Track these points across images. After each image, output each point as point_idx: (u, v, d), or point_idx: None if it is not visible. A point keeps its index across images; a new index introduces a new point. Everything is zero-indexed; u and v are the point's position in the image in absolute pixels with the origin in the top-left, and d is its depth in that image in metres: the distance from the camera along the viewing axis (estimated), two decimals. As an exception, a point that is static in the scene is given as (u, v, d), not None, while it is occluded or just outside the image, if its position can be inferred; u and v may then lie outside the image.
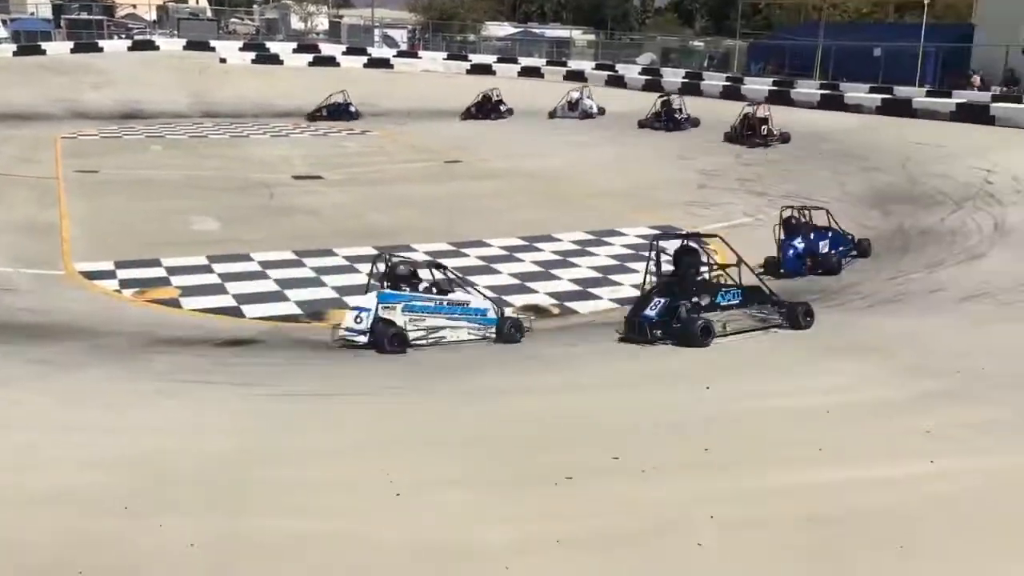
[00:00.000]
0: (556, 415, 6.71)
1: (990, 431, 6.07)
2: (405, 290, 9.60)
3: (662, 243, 9.98)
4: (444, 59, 43.18)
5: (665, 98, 28.00)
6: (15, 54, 37.95)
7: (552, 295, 12.12)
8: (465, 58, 43.38)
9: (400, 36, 49.36)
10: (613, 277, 12.99)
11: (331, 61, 41.42)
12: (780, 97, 29.05)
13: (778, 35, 44.05)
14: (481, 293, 10.37)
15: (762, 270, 11.88)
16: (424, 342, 9.38)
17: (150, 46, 41.56)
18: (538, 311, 11.45)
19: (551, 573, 4.28)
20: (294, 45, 44.15)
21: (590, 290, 12.40)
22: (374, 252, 13.46)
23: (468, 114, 31.89)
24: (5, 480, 5.20)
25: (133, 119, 30.41)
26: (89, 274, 12.54)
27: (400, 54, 44.04)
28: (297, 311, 11.22)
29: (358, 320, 9.24)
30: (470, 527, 4.70)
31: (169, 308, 11.29)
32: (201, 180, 20.07)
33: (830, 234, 13.37)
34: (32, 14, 48.64)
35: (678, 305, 9.21)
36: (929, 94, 26.85)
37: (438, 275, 9.98)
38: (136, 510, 4.77)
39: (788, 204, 13.71)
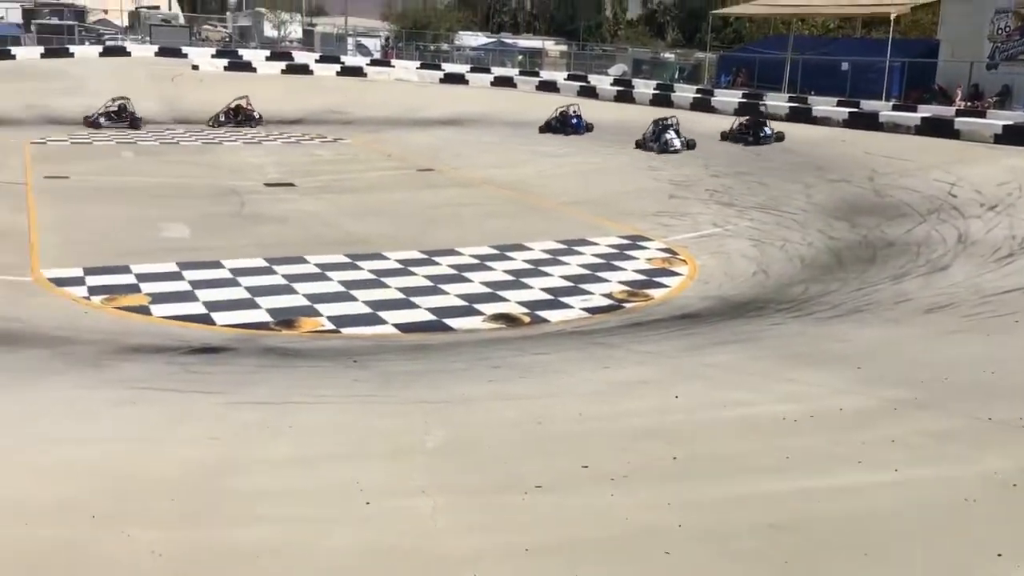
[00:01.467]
0: (526, 423, 6.73)
1: (953, 440, 6.17)
2: None
3: None
4: (417, 68, 43.23)
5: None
6: (-18, 59, 37.53)
7: (523, 304, 12.17)
8: (438, 67, 43.45)
9: (374, 45, 49.32)
10: (584, 286, 13.07)
11: (304, 69, 41.35)
12: (749, 109, 29.33)
13: (747, 48, 44.50)
14: None
15: None
16: None
17: (122, 52, 41.28)
18: (509, 320, 11.49)
19: (519, 581, 4.30)
20: (267, 53, 44.00)
21: (561, 299, 12.47)
22: (346, 260, 13.52)
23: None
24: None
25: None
26: (58, 280, 12.42)
27: (373, 63, 44.02)
28: (268, 318, 11.18)
29: None
30: (438, 536, 4.71)
31: (139, 315, 11.21)
32: (172, 187, 19.94)
33: None
34: (2, 19, 48.09)
35: None
36: (895, 108, 27.25)
37: None
38: (102, 519, 4.73)
39: None
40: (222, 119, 31.52)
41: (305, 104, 34.91)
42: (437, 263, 14.01)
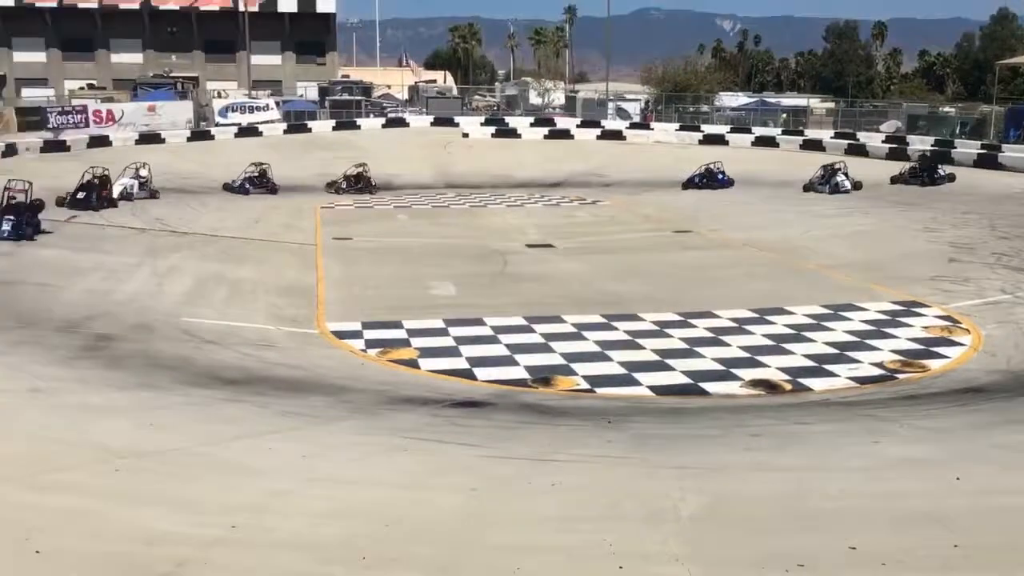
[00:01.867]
0: (787, 496, 6.43)
1: None
2: None
3: None
4: (676, 130, 43.35)
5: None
6: (285, 132, 41.96)
7: (784, 370, 11.68)
8: (697, 128, 43.33)
9: (633, 108, 50.07)
10: (851, 354, 12.35)
11: (566, 134, 42.69)
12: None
13: (1041, 99, 40.84)
14: None
15: None
16: None
17: (401, 123, 44.63)
18: (769, 386, 11.08)
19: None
20: (531, 119, 45.91)
21: (825, 366, 11.85)
22: (602, 320, 13.65)
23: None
24: (251, 522, 5.65)
25: (383, 190, 32.59)
26: (339, 333, 13.47)
27: (633, 126, 44.67)
28: (526, 375, 11.48)
29: None
30: (694, 606, 4.58)
31: (408, 368, 11.89)
32: (441, 247, 21.15)
33: None
34: (301, 96, 53.68)
35: None
36: None
37: None
38: (371, 562, 5.02)
39: None
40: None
41: (565, 167, 35.98)
42: (694, 325, 13.82)
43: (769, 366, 11.84)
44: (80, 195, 24.17)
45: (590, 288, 16.70)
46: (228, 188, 30.42)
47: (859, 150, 35.24)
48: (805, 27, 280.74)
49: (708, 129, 43.02)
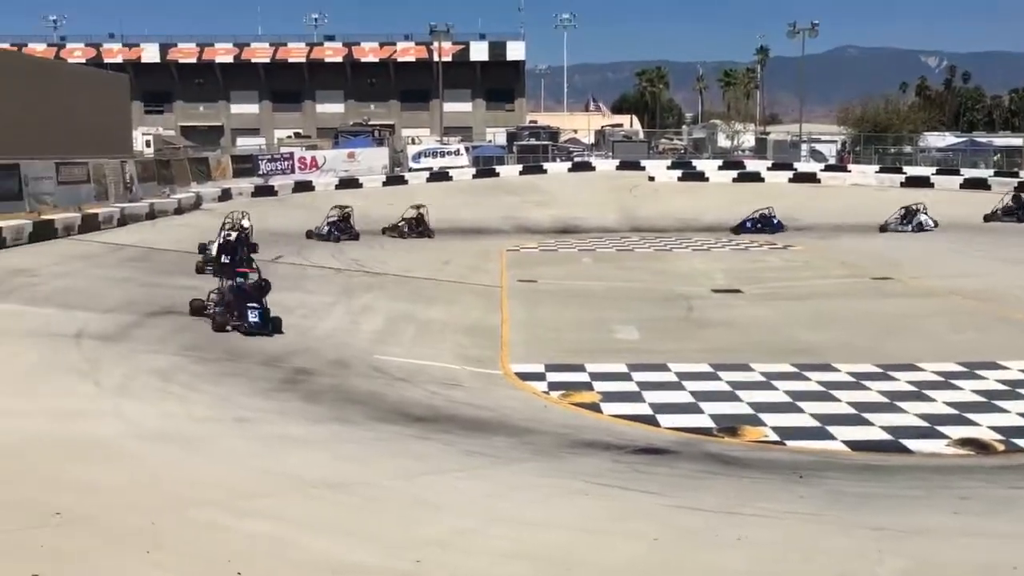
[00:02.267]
0: (1000, 566, 5.90)
1: None
2: None
3: None
4: (876, 172, 41.53)
5: None
6: (474, 177, 43.30)
7: (996, 429, 10.78)
8: (899, 170, 41.33)
9: (829, 150, 48.40)
10: (1075, 414, 11.27)
11: (756, 177, 41.77)
12: None
13: None
14: None
15: None
16: None
17: (587, 167, 45.10)
18: (979, 446, 10.26)
19: None
20: (719, 162, 45.27)
21: (1045, 427, 10.85)
22: (792, 369, 13.13)
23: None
24: (435, 558, 5.75)
25: (568, 234, 32.94)
26: (522, 375, 13.61)
27: (828, 168, 43.17)
28: (711, 424, 11.17)
29: None
30: None
31: (591, 412, 11.83)
32: (625, 291, 21.05)
33: None
34: (490, 141, 55.36)
35: None
36: None
37: None
38: (552, 605, 4.98)
39: None
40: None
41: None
42: (894, 378, 13.03)
43: (980, 424, 10.97)
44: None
45: (780, 335, 16.12)
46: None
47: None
48: (1019, 63, 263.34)
49: (911, 171, 40.97)
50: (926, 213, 30.07)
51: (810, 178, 41.21)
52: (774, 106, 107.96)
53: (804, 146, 48.96)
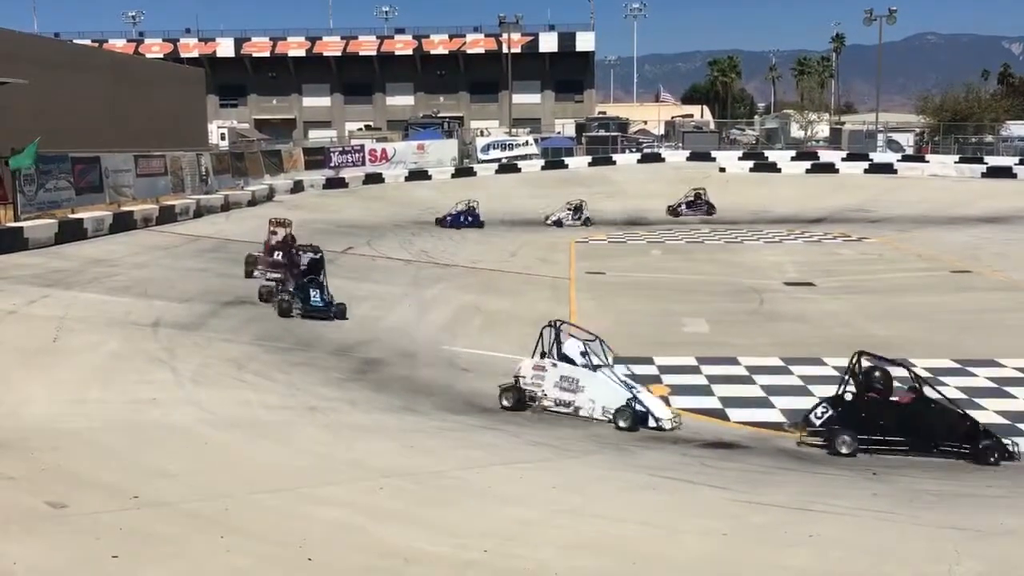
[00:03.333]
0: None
1: None
2: None
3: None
4: (955, 162, 40.30)
5: None
6: (543, 168, 43.23)
7: (1083, 429, 10.41)
8: (980, 160, 40.04)
9: (906, 140, 47.11)
10: None
11: (830, 168, 40.90)
12: None
13: None
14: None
15: None
16: None
17: (656, 158, 44.64)
18: (1063, 446, 9.90)
19: None
20: (792, 153, 44.40)
21: None
22: (867, 364, 12.81)
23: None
24: (503, 549, 5.77)
25: (637, 225, 32.68)
26: (590, 367, 13.54)
27: (905, 158, 42.03)
28: (782, 419, 10.99)
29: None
30: None
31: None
32: (695, 284, 20.82)
33: None
34: (559, 133, 55.18)
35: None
36: None
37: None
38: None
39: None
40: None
41: (828, 202, 34.42)
42: (973, 374, 12.66)
43: (1063, 423, 10.60)
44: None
45: (853, 329, 15.77)
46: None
47: None
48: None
49: (992, 161, 39.64)
50: None
51: (887, 169, 40.18)
52: (849, 95, 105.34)
53: (880, 136, 47.72)
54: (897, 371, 9.88)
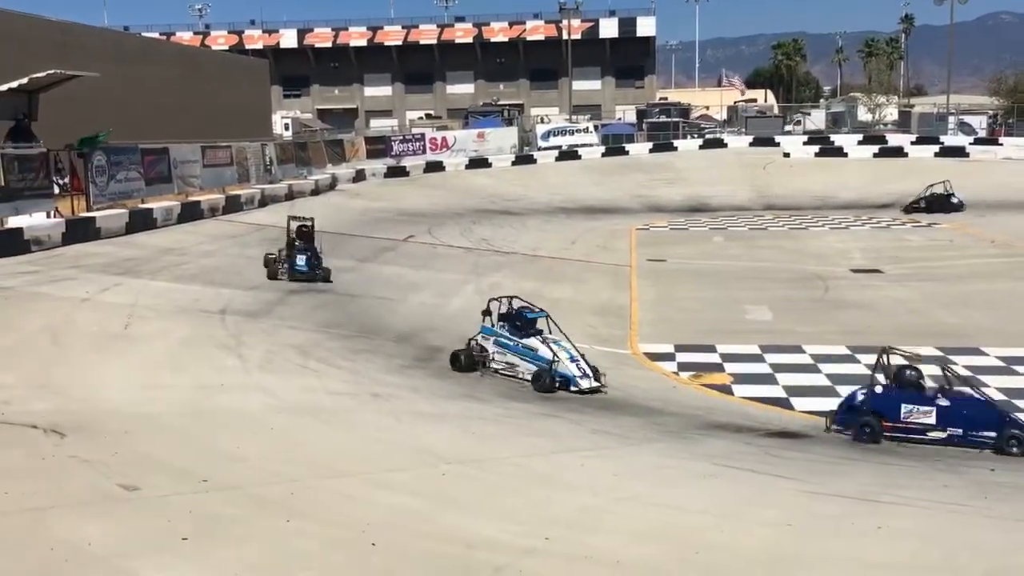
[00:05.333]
0: None
1: None
2: None
3: None
4: (1030, 144, 38.99)
5: None
6: (603, 155, 42.96)
7: None
8: (1057, 143, 38.69)
9: (979, 123, 45.71)
10: None
11: (898, 152, 39.91)
12: None
13: None
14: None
15: None
16: None
17: (719, 144, 44.02)
18: None
19: None
20: (859, 137, 43.41)
21: None
22: (936, 353, 12.53)
23: None
24: (564, 536, 5.78)
25: (699, 212, 32.32)
26: (651, 355, 13.48)
27: (977, 141, 40.80)
28: (849, 409, 10.77)
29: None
30: None
31: (721, 394, 11.63)
32: (758, 271, 20.54)
33: None
34: (619, 119, 54.79)
35: None
36: None
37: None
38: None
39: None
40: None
41: (897, 187, 33.57)
42: (1048, 363, 12.29)
43: None
44: None
45: (923, 317, 15.42)
46: None
47: None
48: None
49: (1070, 143, 38.26)
50: None
51: (958, 152, 39.04)
52: (919, 77, 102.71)
53: (951, 119, 46.38)
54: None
